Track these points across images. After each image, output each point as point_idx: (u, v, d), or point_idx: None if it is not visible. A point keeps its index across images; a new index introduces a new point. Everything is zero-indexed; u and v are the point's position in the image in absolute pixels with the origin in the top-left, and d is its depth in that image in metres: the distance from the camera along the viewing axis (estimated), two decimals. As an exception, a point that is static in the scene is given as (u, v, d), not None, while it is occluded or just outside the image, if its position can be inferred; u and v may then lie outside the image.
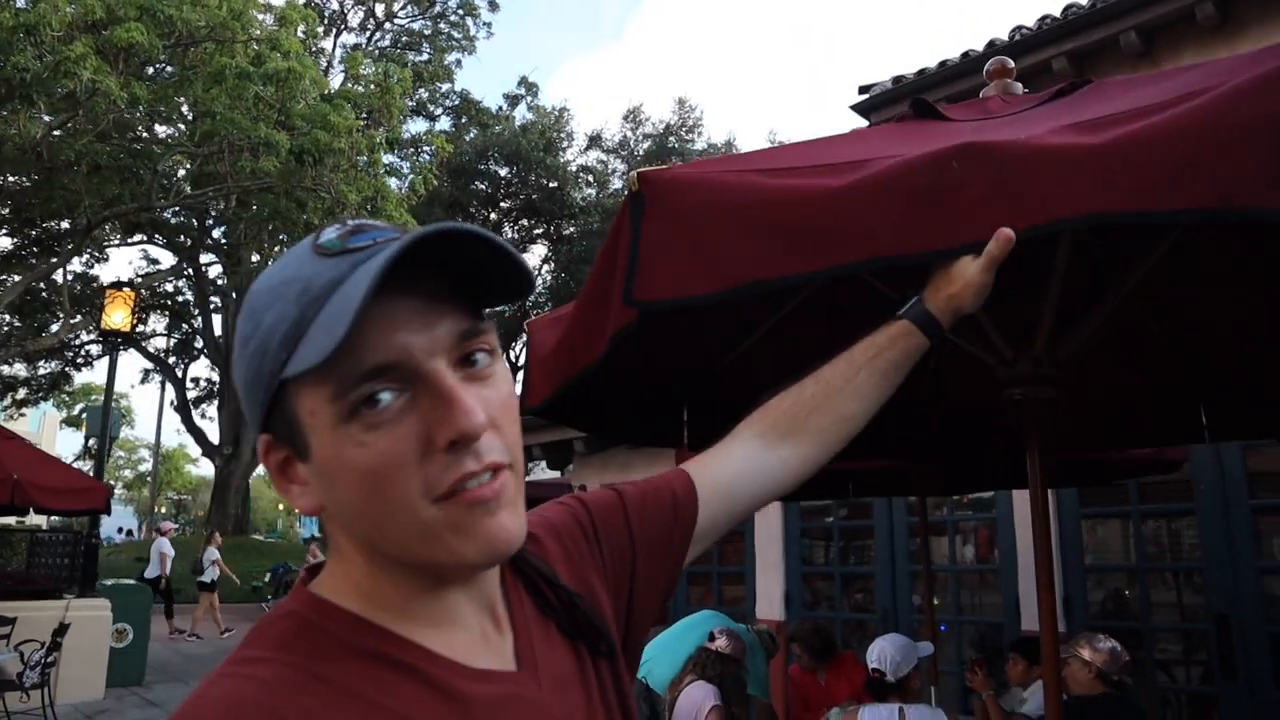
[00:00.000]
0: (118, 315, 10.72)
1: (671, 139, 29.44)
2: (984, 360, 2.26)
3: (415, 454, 0.64)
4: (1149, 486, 5.84)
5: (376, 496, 0.65)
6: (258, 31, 10.29)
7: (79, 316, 13.15)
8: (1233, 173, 1.09)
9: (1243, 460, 5.48)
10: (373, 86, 11.84)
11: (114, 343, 11.21)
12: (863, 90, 7.84)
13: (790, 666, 5.31)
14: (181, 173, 13.40)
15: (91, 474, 11.70)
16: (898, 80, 7.64)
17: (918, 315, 1.17)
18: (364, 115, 12.38)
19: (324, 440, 0.65)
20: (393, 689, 0.66)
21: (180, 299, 28.31)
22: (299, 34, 11.68)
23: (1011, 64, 2.31)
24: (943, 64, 7.32)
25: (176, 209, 16.39)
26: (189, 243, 20.33)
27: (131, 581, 11.65)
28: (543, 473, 13.29)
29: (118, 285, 10.80)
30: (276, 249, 18.54)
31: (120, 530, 41.63)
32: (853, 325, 3.01)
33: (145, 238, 22.49)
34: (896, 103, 7.34)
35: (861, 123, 7.87)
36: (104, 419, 11.25)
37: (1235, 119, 1.10)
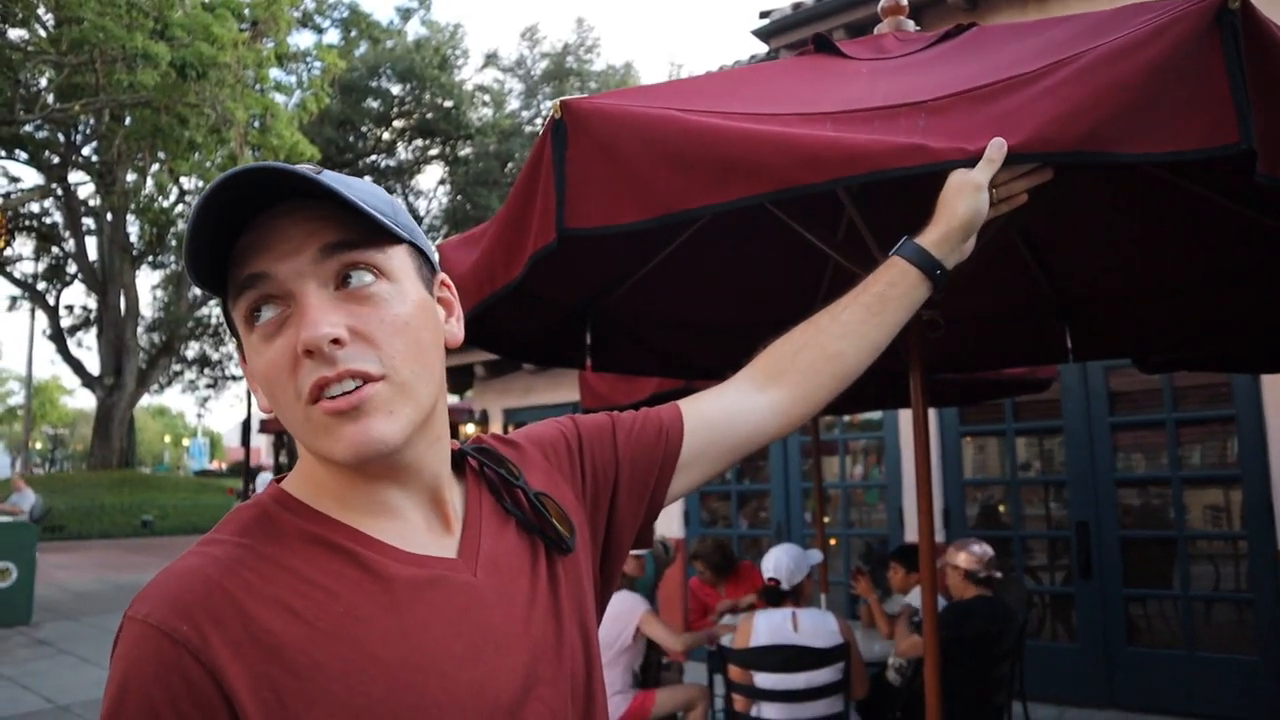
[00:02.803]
0: (-17, 237, 10.05)
1: (570, 59, 28.85)
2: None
3: (288, 361, 0.74)
4: (1023, 406, 6.27)
5: (270, 397, 0.77)
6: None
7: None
8: (1091, 126, 1.23)
9: (1105, 380, 5.93)
10: (256, -5, 11.23)
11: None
12: (763, 15, 7.90)
13: (691, 579, 5.57)
14: (44, 83, 12.47)
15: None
16: (797, 6, 7.71)
17: (907, 251, 1.15)
18: (248, 27, 11.72)
19: (246, 349, 0.78)
20: (323, 565, 0.76)
21: (49, 221, 26.61)
22: (174, -64, 10.92)
23: (905, 1, 2.42)
24: None
25: (40, 123, 15.29)
26: (56, 160, 18.98)
27: (10, 519, 11.19)
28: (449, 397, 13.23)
29: (-18, 205, 10.10)
30: (155, 168, 17.55)
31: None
32: (751, 250, 3.13)
33: (5, 153, 20.94)
34: (796, 28, 7.43)
35: (761, 48, 7.95)
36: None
37: (1096, 82, 1.24)
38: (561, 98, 1.51)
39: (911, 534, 6.44)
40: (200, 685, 0.67)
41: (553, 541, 0.91)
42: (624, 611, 4.25)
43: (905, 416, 6.46)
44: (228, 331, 0.77)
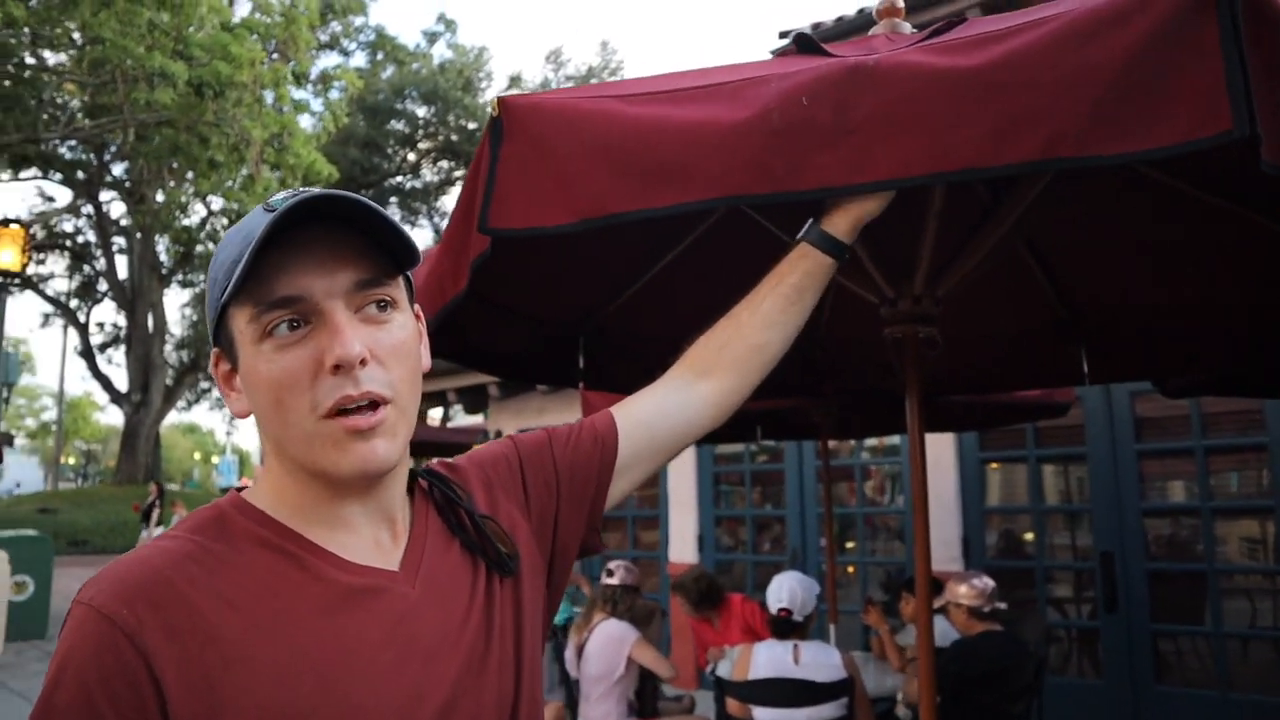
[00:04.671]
0: (6, 254, 10.15)
1: (594, 82, 28.99)
2: (869, 300, 2.27)
3: (308, 375, 0.79)
4: (1046, 431, 6.05)
5: (279, 405, 0.80)
6: (152, -47, 9.66)
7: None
8: (1054, 125, 1.09)
9: (1131, 405, 5.70)
10: (278, 17, 11.26)
11: (2, 283, 10.62)
12: (782, 35, 7.79)
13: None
14: (76, 104, 12.65)
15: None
16: (816, 26, 7.60)
17: (814, 236, 1.22)
18: (270, 47, 11.80)
19: (246, 354, 0.81)
20: (268, 566, 0.80)
21: (81, 239, 27.01)
22: (199, -42, 11.05)
23: (900, 3, 2.29)
24: (860, 11, 7.30)
25: (71, 142, 15.51)
26: (86, 179, 19.30)
27: (32, 533, 11.21)
28: (461, 418, 13.15)
29: (5, 222, 10.20)
30: (184, 187, 17.73)
31: (18, 485, 39.94)
32: (750, 259, 2.99)
33: (40, 173, 21.28)
34: (815, 49, 7.30)
35: (779, 68, 7.82)
36: (-6, 364, 10.70)
37: (1057, 70, 1.10)
38: (500, 94, 1.39)
39: (931, 563, 6.22)
40: (133, 666, 0.71)
41: (494, 563, 0.94)
42: (614, 640, 4.10)
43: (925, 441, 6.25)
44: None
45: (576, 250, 2.47)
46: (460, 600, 0.89)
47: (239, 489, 0.89)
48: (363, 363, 0.79)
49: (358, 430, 0.79)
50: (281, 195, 0.82)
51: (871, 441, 7.06)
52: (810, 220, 1.22)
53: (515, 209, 1.32)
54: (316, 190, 0.80)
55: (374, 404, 0.80)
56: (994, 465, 6.54)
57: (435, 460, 1.03)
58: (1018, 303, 2.99)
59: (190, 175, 13.63)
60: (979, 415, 4.44)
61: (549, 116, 1.34)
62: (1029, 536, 6.32)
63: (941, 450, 6.32)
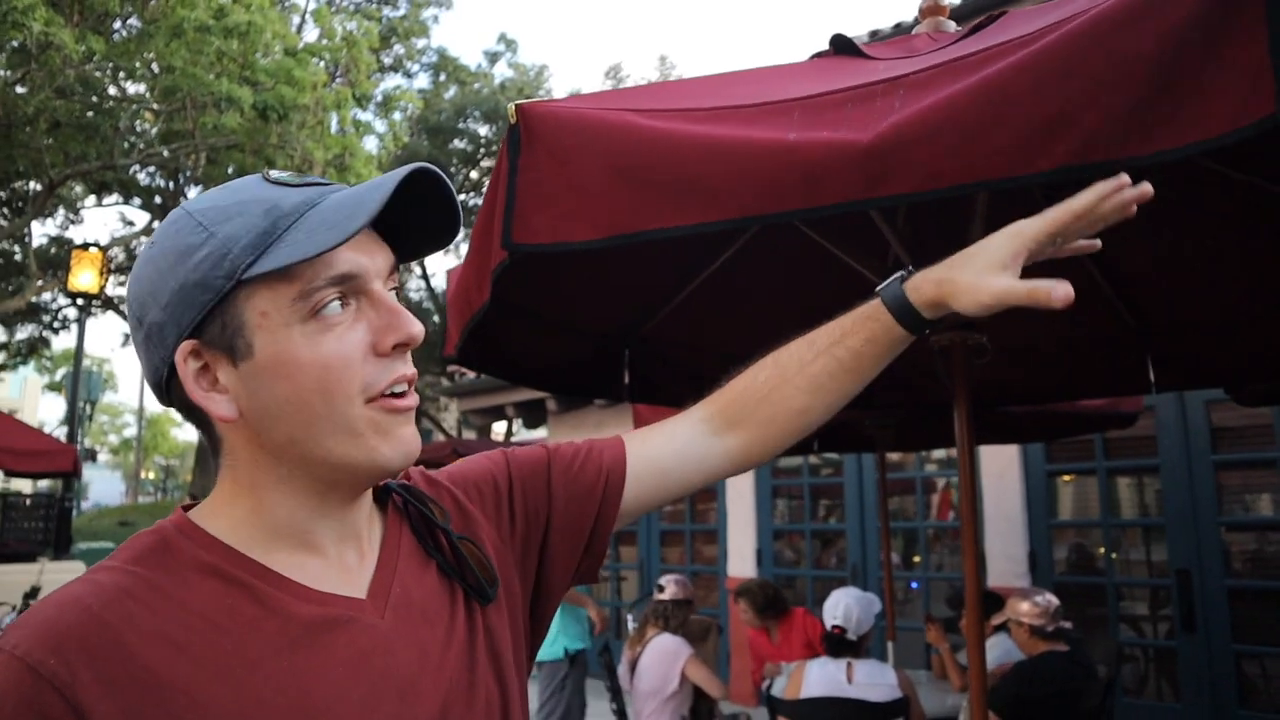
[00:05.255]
0: (85, 276, 10.53)
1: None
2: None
3: (360, 355, 0.74)
4: (1116, 442, 5.82)
5: (320, 390, 0.72)
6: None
7: (41, 280, 12.91)
8: (1088, 127, 1.03)
9: (1206, 415, 5.45)
10: (339, 41, 11.52)
11: (83, 305, 11.03)
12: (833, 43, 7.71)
13: (750, 630, 5.30)
14: (153, 131, 13.11)
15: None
16: (874, 35, 7.50)
17: (891, 296, 0.96)
18: (334, 71, 12.10)
19: (274, 339, 0.72)
20: (217, 599, 0.71)
21: (159, 262, 27.92)
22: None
23: (943, 2, 2.22)
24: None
25: (149, 168, 16.08)
26: (162, 203, 19.99)
27: (109, 544, 11.58)
28: (522, 433, 13.23)
29: (84, 246, 10.59)
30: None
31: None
32: (800, 272, 2.92)
33: (121, 198, 22.13)
34: (869, 55, 7.19)
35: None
36: (74, 382, 11.12)
37: (1087, 68, 1.04)
38: (519, 101, 1.37)
39: (996, 578, 6.03)
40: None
41: (473, 589, 0.87)
42: (668, 655, 4.05)
43: (988, 452, 6.09)
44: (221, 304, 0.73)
45: (614, 262, 2.45)
46: (438, 629, 0.82)
47: (184, 507, 0.80)
48: None
49: (404, 410, 0.76)
50: (277, 172, 0.78)
51: (939, 453, 6.88)
52: (899, 274, 0.98)
53: (540, 223, 1.29)
54: (423, 164, 0.76)
55: (409, 385, 0.78)
56: (1066, 478, 6.31)
57: (417, 470, 0.96)
58: (1077, 308, 2.86)
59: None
60: (1041, 426, 4.28)
61: (566, 126, 1.32)
62: (1099, 551, 6.08)
63: (1006, 463, 6.14)
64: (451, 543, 0.87)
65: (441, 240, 0.83)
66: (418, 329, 0.76)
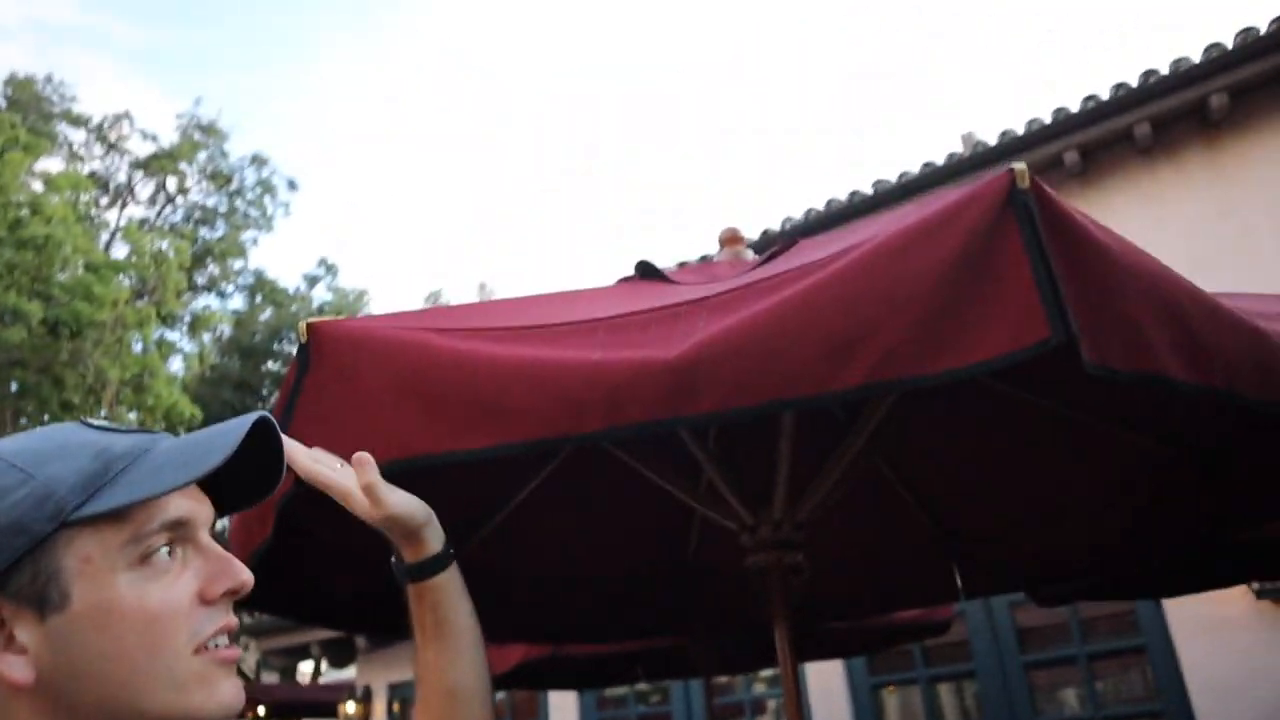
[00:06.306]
0: None
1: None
2: (731, 528, 2.18)
3: (187, 603, 0.71)
4: (933, 650, 5.93)
5: (144, 642, 0.68)
6: (20, 196, 9.56)
7: None
8: (883, 344, 1.07)
9: (1011, 616, 5.68)
10: (148, 259, 11.17)
11: None
12: (638, 269, 8.13)
13: None
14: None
15: None
16: (682, 265, 8.00)
17: (408, 575, 1.05)
18: (141, 288, 11.63)
19: (95, 586, 0.67)
20: None
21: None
22: (70, 200, 10.99)
23: (741, 234, 2.37)
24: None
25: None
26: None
27: None
28: (329, 672, 12.10)
29: None
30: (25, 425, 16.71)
31: None
32: (617, 492, 2.85)
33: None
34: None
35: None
36: None
37: (876, 289, 1.10)
38: (310, 319, 1.30)
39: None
40: None
41: None
42: None
43: (813, 668, 6.03)
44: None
45: (417, 488, 2.32)
46: None
47: None
48: None
49: (230, 661, 0.73)
50: (95, 420, 0.77)
51: (767, 672, 6.77)
52: (392, 559, 1.07)
53: (310, 445, 1.19)
54: (263, 414, 0.77)
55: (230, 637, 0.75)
56: (890, 689, 6.32)
57: None
58: (884, 521, 2.96)
59: (46, 417, 12.91)
60: (861, 639, 4.30)
61: (358, 344, 1.25)
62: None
63: (830, 677, 6.10)
64: None
65: (264, 492, 0.82)
66: (248, 576, 0.74)
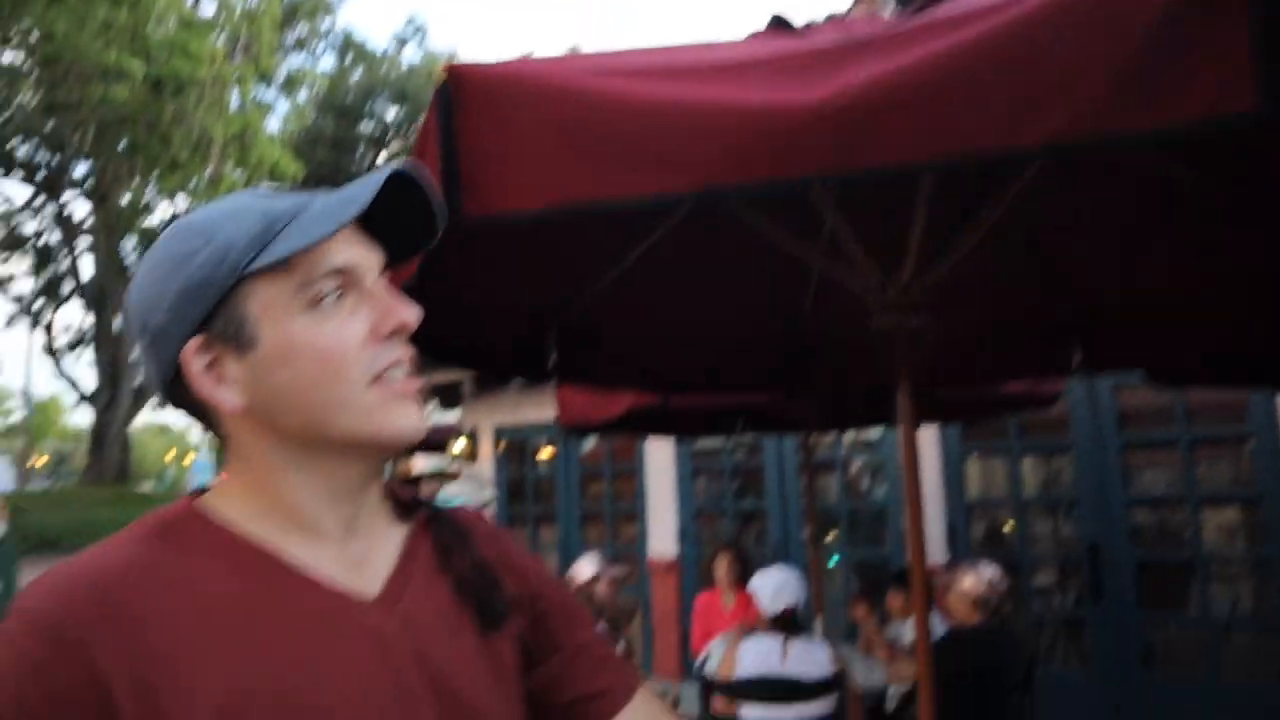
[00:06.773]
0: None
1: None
2: (855, 290, 2.14)
3: (358, 341, 0.77)
4: (1029, 425, 5.97)
5: (323, 375, 0.76)
6: (109, -53, 9.34)
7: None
8: (1074, 101, 0.96)
9: (1114, 398, 5.64)
10: (238, 15, 10.97)
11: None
12: (773, 23, 7.66)
13: (698, 597, 5.22)
14: (32, 102, 12.30)
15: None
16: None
17: None
18: (234, 46, 11.52)
19: (279, 329, 0.76)
20: (228, 582, 0.73)
21: (44, 240, 26.48)
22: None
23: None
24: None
25: (32, 140, 15.14)
26: (46, 179, 18.85)
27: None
28: (437, 412, 12.96)
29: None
30: (147, 187, 17.35)
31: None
32: (721, 252, 2.82)
33: (1, 171, 20.79)
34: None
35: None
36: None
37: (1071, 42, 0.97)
38: (449, 63, 1.24)
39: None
40: (75, 687, 0.65)
41: (483, 613, 0.87)
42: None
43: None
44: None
45: (541, 239, 2.33)
46: (444, 643, 0.82)
47: (202, 491, 0.82)
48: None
49: (408, 393, 0.80)
50: (264, 188, 0.83)
51: (850, 435, 6.96)
52: None
53: (490, 193, 1.17)
54: (406, 164, 0.80)
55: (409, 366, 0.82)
56: (976, 457, 6.46)
57: (472, 508, 0.99)
58: (1010, 291, 2.88)
59: (156, 173, 13.29)
60: (965, 407, 4.33)
61: (505, 87, 1.20)
62: (1012, 528, 6.25)
63: (924, 443, 6.24)
64: (472, 565, 0.89)
65: (426, 240, 0.86)
66: (412, 316, 0.80)
